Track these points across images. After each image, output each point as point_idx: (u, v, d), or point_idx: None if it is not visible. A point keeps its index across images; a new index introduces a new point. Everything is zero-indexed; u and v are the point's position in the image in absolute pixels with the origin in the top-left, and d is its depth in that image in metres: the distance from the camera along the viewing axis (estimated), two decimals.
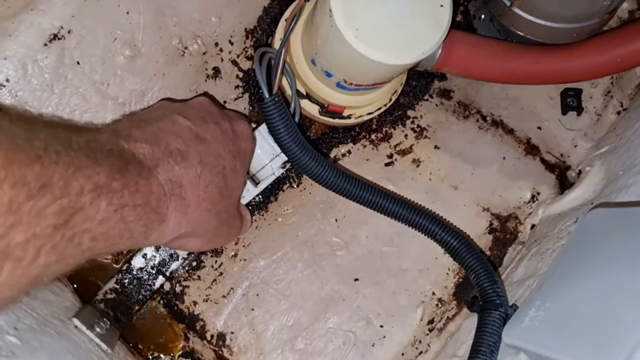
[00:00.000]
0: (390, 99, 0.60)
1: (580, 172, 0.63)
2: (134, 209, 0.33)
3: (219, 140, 0.45)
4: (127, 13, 0.55)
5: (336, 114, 0.58)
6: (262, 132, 0.53)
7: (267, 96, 0.49)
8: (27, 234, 0.26)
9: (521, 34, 0.59)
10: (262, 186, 0.56)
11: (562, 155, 0.65)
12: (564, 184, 0.64)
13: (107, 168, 0.31)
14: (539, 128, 0.66)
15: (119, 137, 0.38)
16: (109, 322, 0.51)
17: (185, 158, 0.40)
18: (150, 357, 0.58)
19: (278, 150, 0.54)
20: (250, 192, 0.55)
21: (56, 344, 0.41)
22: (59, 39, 0.53)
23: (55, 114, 0.53)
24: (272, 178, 0.57)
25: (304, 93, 0.57)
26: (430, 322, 0.59)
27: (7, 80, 0.52)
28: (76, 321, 0.47)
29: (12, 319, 0.39)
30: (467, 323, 0.58)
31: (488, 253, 0.62)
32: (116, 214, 0.32)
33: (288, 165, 0.57)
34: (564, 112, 0.66)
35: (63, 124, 0.52)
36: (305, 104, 0.57)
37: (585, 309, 0.38)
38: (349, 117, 0.58)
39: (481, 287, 0.52)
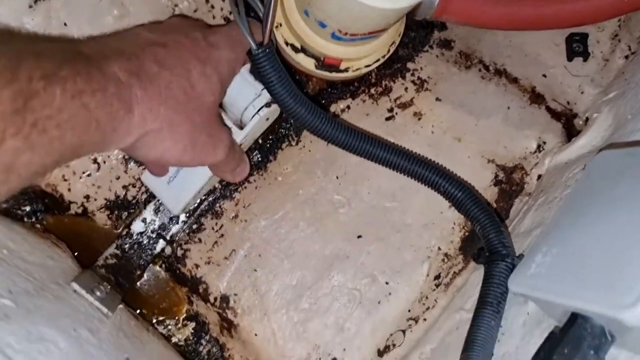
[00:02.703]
0: (389, 50, 0.57)
1: (587, 119, 0.61)
2: (92, 95, 0.33)
3: (183, 45, 0.44)
4: None
5: (333, 67, 0.56)
6: (243, 73, 0.51)
7: (254, 47, 0.47)
8: None
9: None
10: (247, 128, 0.53)
11: (568, 102, 0.63)
12: (571, 133, 0.62)
13: (51, 59, 0.32)
14: (544, 76, 0.63)
15: (69, 42, 0.39)
16: (109, 286, 0.50)
17: (138, 57, 0.40)
18: (155, 321, 0.58)
19: (260, 88, 0.52)
20: (237, 135, 0.53)
21: (53, 307, 0.40)
22: (44, 0, 0.51)
23: None
24: (257, 118, 0.54)
25: (299, 47, 0.55)
26: (437, 277, 0.59)
27: None
28: (75, 285, 0.47)
29: (8, 283, 0.39)
30: (474, 277, 0.57)
31: (494, 205, 0.60)
32: (74, 100, 0.32)
33: (274, 105, 0.53)
34: (569, 58, 0.64)
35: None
36: (301, 58, 0.55)
37: (593, 253, 0.36)
38: (346, 70, 0.56)
39: (487, 238, 0.50)
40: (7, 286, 0.38)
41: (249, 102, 0.51)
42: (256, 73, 0.49)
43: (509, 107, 0.62)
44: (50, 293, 0.42)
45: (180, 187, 0.53)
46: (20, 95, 0.28)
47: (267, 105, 0.52)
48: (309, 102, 0.50)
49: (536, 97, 0.63)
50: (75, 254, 0.55)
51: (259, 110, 0.52)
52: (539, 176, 0.60)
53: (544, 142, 0.61)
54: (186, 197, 0.54)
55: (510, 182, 0.61)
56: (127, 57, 0.39)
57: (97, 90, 0.34)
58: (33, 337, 0.34)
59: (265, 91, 0.51)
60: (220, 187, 0.59)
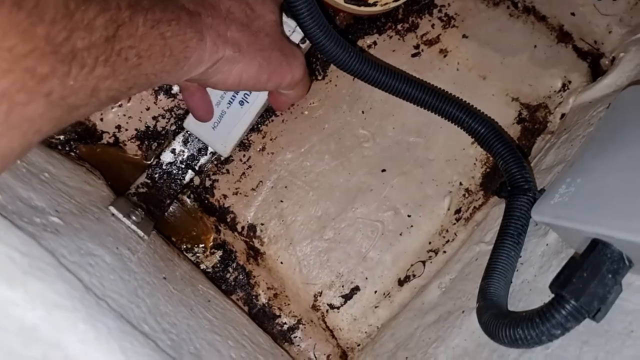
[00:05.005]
0: None
1: (613, 59, 0.61)
2: (169, 24, 0.35)
3: None
4: None
5: (361, 0, 0.56)
6: None
7: None
8: (86, 41, 0.27)
9: None
10: None
11: (595, 42, 0.63)
12: (597, 72, 0.62)
13: None
14: (573, 14, 0.63)
15: None
16: (143, 212, 0.52)
17: None
18: (184, 248, 0.60)
19: (293, 25, 0.53)
20: None
21: (96, 227, 0.42)
22: None
23: None
24: None
25: None
26: (457, 211, 0.60)
27: None
28: (113, 209, 0.49)
29: (53, 203, 0.41)
30: (494, 211, 0.58)
31: (516, 143, 0.61)
32: (154, 30, 0.33)
33: (307, 42, 0.54)
34: None
35: None
36: None
37: (617, 182, 0.37)
38: (374, 4, 0.56)
39: (509, 172, 0.51)
40: (53, 206, 0.40)
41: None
42: (287, 6, 0.49)
43: (535, 46, 0.62)
44: (91, 215, 0.44)
45: (226, 131, 0.55)
46: (111, 23, 0.29)
47: (302, 41, 0.53)
48: (340, 37, 0.50)
49: (563, 36, 0.63)
50: (108, 182, 0.57)
51: None
52: (563, 115, 0.61)
53: (569, 82, 0.61)
54: (234, 139, 0.56)
55: (534, 120, 0.61)
56: None
57: (172, 19, 0.35)
58: (83, 252, 0.36)
59: (298, 28, 0.52)
60: None
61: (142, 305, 0.38)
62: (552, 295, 0.38)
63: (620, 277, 0.36)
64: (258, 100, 0.55)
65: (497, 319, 0.41)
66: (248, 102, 0.55)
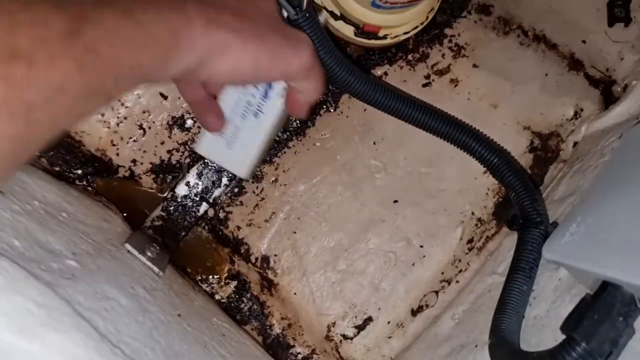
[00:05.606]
0: (427, 17, 0.58)
1: (626, 86, 0.61)
2: (144, 12, 0.32)
3: None
4: None
5: (372, 34, 0.56)
6: None
7: (292, 12, 0.47)
8: (32, 37, 0.26)
9: None
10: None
11: (607, 69, 0.63)
12: (609, 100, 0.62)
13: None
14: (584, 42, 0.63)
15: None
16: (158, 247, 0.53)
17: None
18: (199, 279, 0.61)
19: None
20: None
21: (112, 267, 0.43)
22: None
23: None
24: None
25: (339, 14, 0.56)
26: (470, 241, 0.60)
27: None
28: (128, 246, 0.50)
29: (70, 245, 0.42)
30: (507, 241, 0.58)
31: (529, 172, 0.61)
32: (126, 18, 0.31)
33: None
34: (610, 24, 0.63)
35: None
36: (340, 25, 0.56)
37: (628, 223, 0.37)
38: (384, 37, 0.57)
39: (521, 205, 0.51)
40: (70, 248, 0.41)
41: None
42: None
43: (546, 74, 0.62)
44: (107, 254, 0.45)
45: (243, 148, 0.51)
46: (70, 19, 0.28)
47: None
48: (351, 65, 0.50)
49: (575, 64, 0.63)
50: (124, 214, 0.58)
51: None
52: (575, 143, 0.61)
53: (581, 109, 0.61)
54: (252, 157, 0.51)
55: (546, 149, 0.61)
56: None
57: (148, 7, 0.32)
58: (99, 296, 0.37)
59: None
60: None
61: (156, 348, 0.39)
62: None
63: (632, 319, 0.36)
64: (274, 109, 0.50)
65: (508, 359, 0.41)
66: (263, 113, 0.50)
